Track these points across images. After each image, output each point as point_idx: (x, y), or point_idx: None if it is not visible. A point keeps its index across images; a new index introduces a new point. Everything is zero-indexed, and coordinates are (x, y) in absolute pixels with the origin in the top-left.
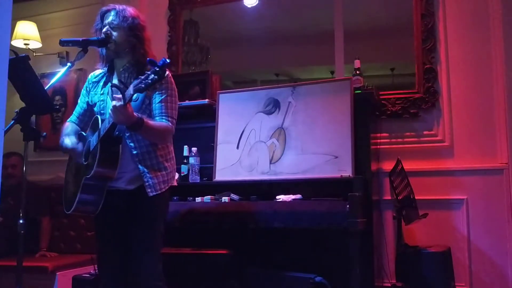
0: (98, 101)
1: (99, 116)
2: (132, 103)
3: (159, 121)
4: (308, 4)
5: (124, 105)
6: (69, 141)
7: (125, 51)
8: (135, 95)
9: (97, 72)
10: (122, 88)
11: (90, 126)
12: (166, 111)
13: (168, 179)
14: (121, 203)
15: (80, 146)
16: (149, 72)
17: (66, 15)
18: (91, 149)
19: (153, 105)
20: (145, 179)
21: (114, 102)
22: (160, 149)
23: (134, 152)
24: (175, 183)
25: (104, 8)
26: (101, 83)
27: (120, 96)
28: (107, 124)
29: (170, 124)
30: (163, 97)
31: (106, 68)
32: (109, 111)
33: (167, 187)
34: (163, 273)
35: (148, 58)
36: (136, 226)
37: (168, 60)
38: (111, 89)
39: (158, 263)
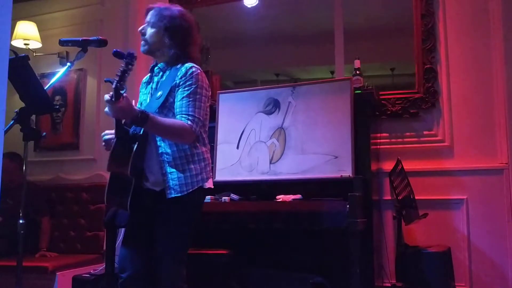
0: (143, 101)
1: None
2: (155, 101)
3: (177, 120)
4: (308, 4)
5: (111, 99)
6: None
7: (160, 51)
8: (124, 90)
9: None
10: (112, 81)
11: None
12: (187, 109)
13: (192, 182)
14: (148, 203)
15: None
16: (122, 65)
17: (66, 15)
18: None
19: (175, 103)
20: (167, 180)
21: (105, 96)
22: (186, 149)
23: (160, 151)
24: (208, 185)
25: (150, 6)
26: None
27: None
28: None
29: (189, 122)
30: (184, 94)
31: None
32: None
33: (190, 190)
34: (184, 275)
35: (114, 50)
36: (159, 227)
37: (132, 51)
38: (151, 88)
39: (179, 265)
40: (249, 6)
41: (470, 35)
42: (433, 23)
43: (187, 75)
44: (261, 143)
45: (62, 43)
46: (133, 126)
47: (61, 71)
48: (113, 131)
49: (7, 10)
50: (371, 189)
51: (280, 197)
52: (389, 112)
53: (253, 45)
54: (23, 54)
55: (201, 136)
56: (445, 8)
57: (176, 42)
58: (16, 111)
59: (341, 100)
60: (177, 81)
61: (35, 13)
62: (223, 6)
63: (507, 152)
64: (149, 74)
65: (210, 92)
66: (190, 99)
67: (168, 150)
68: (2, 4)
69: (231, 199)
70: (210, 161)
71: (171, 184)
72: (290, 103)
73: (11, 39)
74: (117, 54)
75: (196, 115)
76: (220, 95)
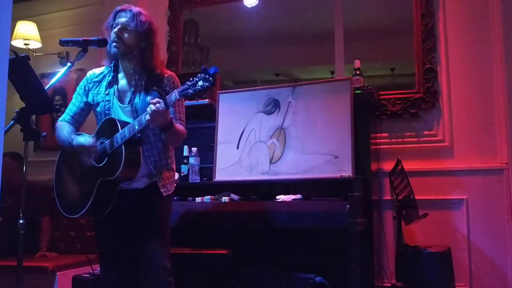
0: (103, 101)
1: (115, 118)
2: (144, 106)
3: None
4: (308, 4)
5: (166, 109)
6: (83, 139)
7: (133, 54)
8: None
9: (97, 71)
10: (162, 92)
11: (101, 128)
12: (180, 115)
13: (175, 180)
14: (129, 202)
15: (96, 144)
16: (196, 79)
17: (66, 15)
18: (108, 151)
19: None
20: (159, 180)
21: (152, 106)
22: (169, 150)
23: (147, 153)
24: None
25: (119, 8)
26: (104, 83)
27: (156, 99)
28: (137, 127)
29: (183, 127)
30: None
31: (109, 68)
32: (147, 114)
33: (173, 188)
34: (171, 270)
35: (202, 67)
36: (147, 224)
37: (218, 69)
38: (116, 90)
39: (168, 260)
40: (249, 6)
41: (470, 35)
42: (433, 23)
43: (175, 84)
44: (261, 143)
45: (63, 43)
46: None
47: (61, 71)
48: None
49: (7, 10)
50: (371, 189)
51: (280, 197)
52: (389, 112)
53: (253, 45)
54: (24, 54)
55: None
56: (445, 8)
57: (150, 45)
58: (16, 111)
59: (341, 100)
60: (166, 89)
61: (35, 13)
62: (223, 6)
63: (507, 152)
64: (111, 74)
65: None
66: (180, 106)
67: (154, 152)
68: (2, 4)
69: (231, 199)
70: None
71: (163, 183)
72: (290, 103)
73: (11, 39)
74: (204, 70)
75: (185, 120)
76: (220, 95)
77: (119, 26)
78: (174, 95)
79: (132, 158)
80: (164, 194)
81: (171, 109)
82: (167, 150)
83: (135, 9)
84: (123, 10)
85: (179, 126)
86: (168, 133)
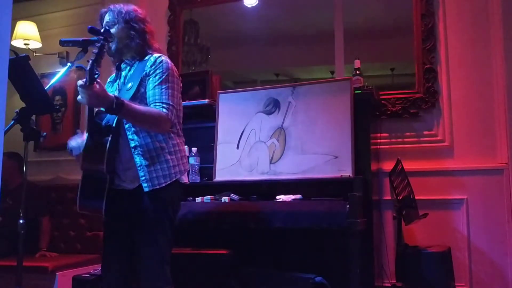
0: None
1: (97, 110)
2: (125, 93)
3: (153, 108)
4: (308, 4)
5: (87, 84)
6: (74, 142)
7: (127, 47)
8: (97, 75)
9: (114, 73)
10: (84, 67)
11: None
12: (161, 97)
13: (170, 173)
14: (126, 203)
15: (72, 153)
16: (98, 44)
17: (66, 15)
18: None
19: (147, 92)
20: (142, 173)
21: (79, 82)
22: (161, 141)
23: (133, 144)
24: (184, 180)
25: (102, 10)
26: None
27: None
28: (88, 112)
29: (164, 110)
30: (156, 82)
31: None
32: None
33: (168, 182)
34: (169, 276)
35: (89, 26)
36: (138, 227)
37: (108, 27)
38: (117, 85)
39: (162, 265)
40: (249, 6)
41: (470, 35)
42: (433, 23)
43: (157, 63)
44: (261, 143)
45: (63, 43)
46: (106, 117)
47: (61, 71)
48: (77, 137)
49: (7, 10)
50: (371, 189)
51: (280, 197)
52: (389, 112)
53: (253, 45)
54: (24, 54)
55: (176, 127)
56: (445, 8)
57: (138, 32)
58: (16, 111)
59: (341, 100)
60: (147, 71)
61: (35, 13)
62: (223, 6)
63: (507, 152)
64: (115, 72)
65: (181, 84)
66: (163, 87)
67: (143, 142)
68: (2, 4)
69: (231, 199)
70: (186, 153)
71: (148, 177)
72: (290, 103)
73: (11, 39)
74: (93, 31)
75: (170, 103)
76: (220, 95)
77: (105, 27)
78: (88, 67)
79: (93, 148)
80: (146, 189)
81: (151, 91)
82: (156, 140)
83: (114, 5)
84: (104, 12)
85: (145, 108)
86: (121, 114)
